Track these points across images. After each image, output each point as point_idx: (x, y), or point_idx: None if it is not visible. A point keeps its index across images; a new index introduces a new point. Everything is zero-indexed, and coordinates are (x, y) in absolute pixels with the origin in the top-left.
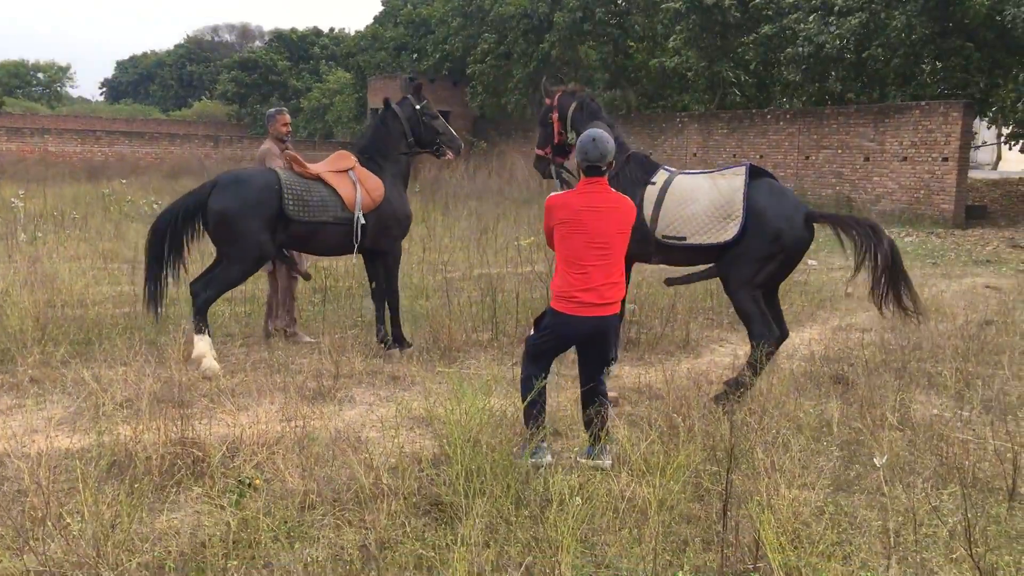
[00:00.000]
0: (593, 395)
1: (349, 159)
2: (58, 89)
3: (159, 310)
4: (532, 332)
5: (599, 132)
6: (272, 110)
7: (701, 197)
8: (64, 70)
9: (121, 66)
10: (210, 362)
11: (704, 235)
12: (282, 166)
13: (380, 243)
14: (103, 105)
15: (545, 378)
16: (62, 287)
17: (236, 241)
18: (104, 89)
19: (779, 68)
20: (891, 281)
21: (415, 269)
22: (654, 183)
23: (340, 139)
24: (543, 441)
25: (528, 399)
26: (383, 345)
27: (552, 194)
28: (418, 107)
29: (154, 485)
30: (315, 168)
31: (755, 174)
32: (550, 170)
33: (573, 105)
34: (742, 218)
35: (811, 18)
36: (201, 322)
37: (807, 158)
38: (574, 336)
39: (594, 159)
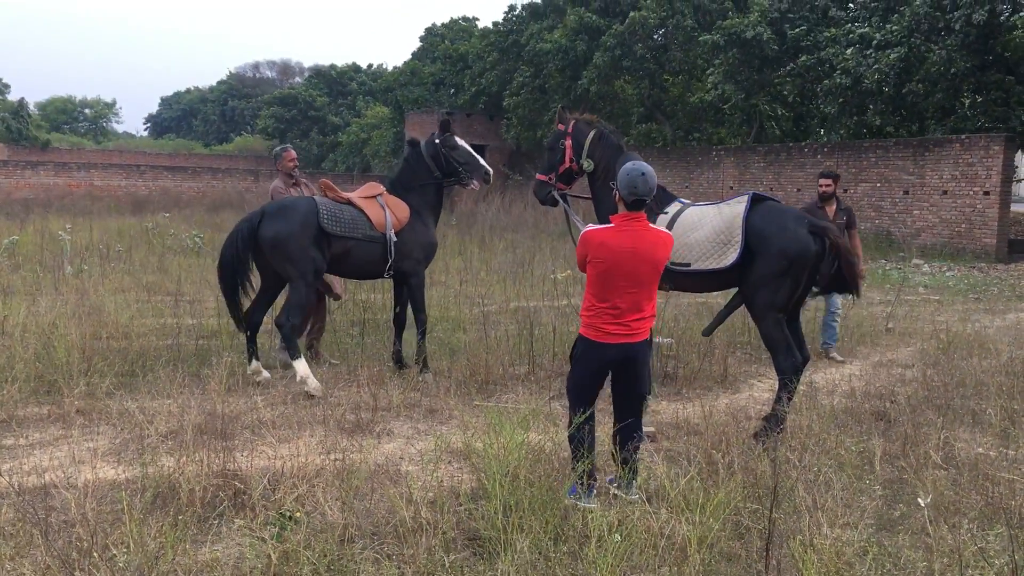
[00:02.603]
0: (629, 432)
1: (378, 187)
2: (104, 125)
3: (246, 328)
4: (570, 368)
5: (646, 166)
6: (279, 148)
7: (705, 225)
8: (110, 106)
9: (165, 102)
10: (314, 382)
11: (707, 261)
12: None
13: (403, 265)
14: (147, 140)
15: (585, 412)
16: (107, 319)
17: (293, 260)
18: (148, 125)
19: (816, 101)
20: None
21: (452, 302)
22: (666, 213)
23: (378, 172)
24: (593, 483)
25: (571, 434)
26: (397, 364)
27: (590, 228)
28: (438, 140)
29: (197, 517)
30: (346, 194)
31: (759, 200)
32: (551, 196)
33: (591, 134)
34: (741, 243)
35: (849, 51)
36: (293, 348)
37: (845, 191)
38: (604, 362)
39: (643, 193)
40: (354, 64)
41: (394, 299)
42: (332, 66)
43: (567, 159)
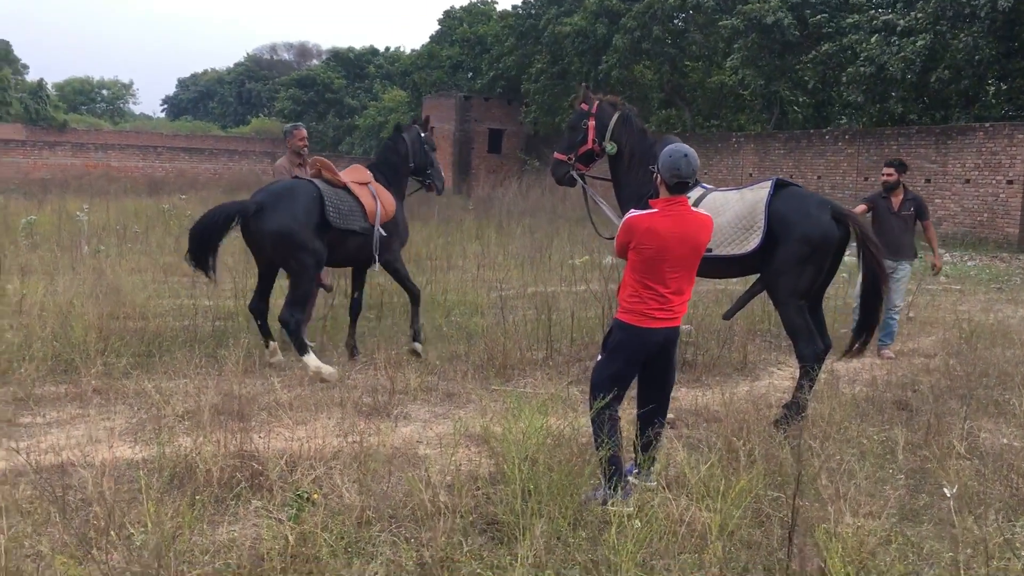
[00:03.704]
0: (652, 416)
1: (366, 173)
2: (121, 106)
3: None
4: (600, 356)
5: (689, 148)
6: (289, 125)
7: (727, 210)
8: (127, 87)
9: (182, 83)
10: (328, 369)
11: (728, 246)
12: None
13: (386, 256)
14: (164, 122)
15: (606, 398)
16: (124, 299)
17: (297, 254)
18: (165, 106)
19: (838, 88)
20: (865, 308)
21: (470, 286)
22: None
23: None
24: (626, 479)
25: (593, 417)
26: (351, 355)
27: (633, 213)
28: (423, 135)
29: (214, 497)
30: (342, 178)
31: (783, 186)
32: (568, 176)
33: (616, 116)
34: (763, 228)
35: (873, 39)
36: (300, 344)
37: (866, 179)
38: (647, 348)
39: (686, 175)
40: (372, 47)
41: (352, 283)
42: (350, 49)
43: (589, 140)
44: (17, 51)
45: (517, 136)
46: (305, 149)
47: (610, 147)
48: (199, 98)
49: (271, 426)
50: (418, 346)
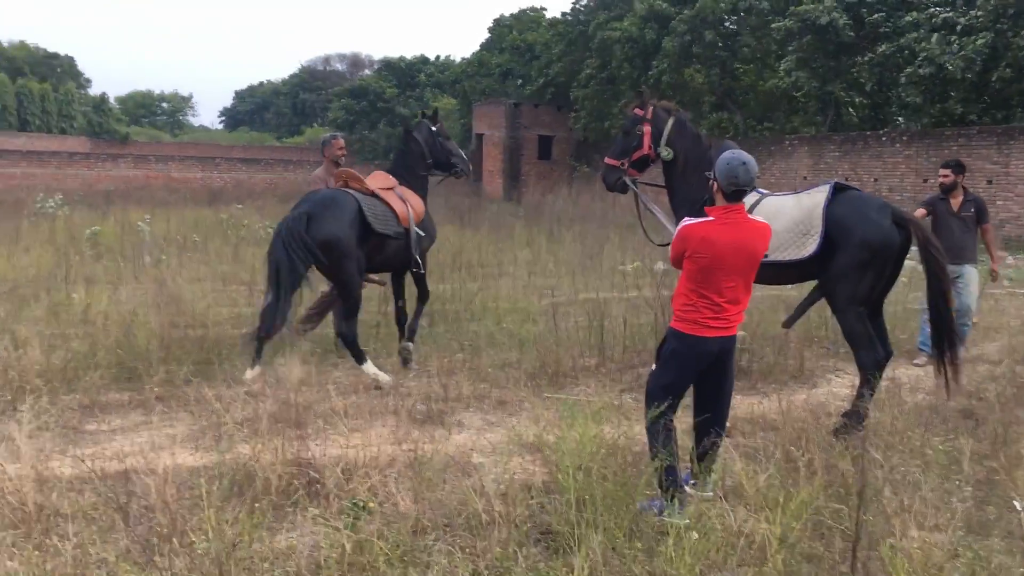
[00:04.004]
0: (709, 426)
1: (389, 178)
2: (180, 118)
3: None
4: (654, 365)
5: (747, 155)
6: (328, 135)
7: (783, 216)
8: (186, 100)
9: (239, 95)
10: (383, 377)
11: (784, 252)
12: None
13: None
14: (222, 133)
15: (661, 407)
16: (185, 308)
17: (346, 263)
18: (223, 118)
19: (896, 89)
20: (935, 317)
21: (521, 293)
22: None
23: None
24: (683, 489)
25: (648, 426)
26: (404, 364)
27: (689, 221)
28: (434, 128)
29: (273, 504)
30: (370, 186)
31: (841, 190)
32: (620, 182)
33: (671, 122)
34: (821, 233)
35: (933, 38)
36: (357, 353)
37: (925, 181)
38: (703, 357)
39: (744, 183)
40: (423, 56)
41: (394, 294)
42: (401, 58)
43: (645, 145)
44: (80, 66)
45: (567, 142)
46: (343, 159)
47: (666, 152)
48: (255, 109)
49: (327, 434)
50: (410, 346)
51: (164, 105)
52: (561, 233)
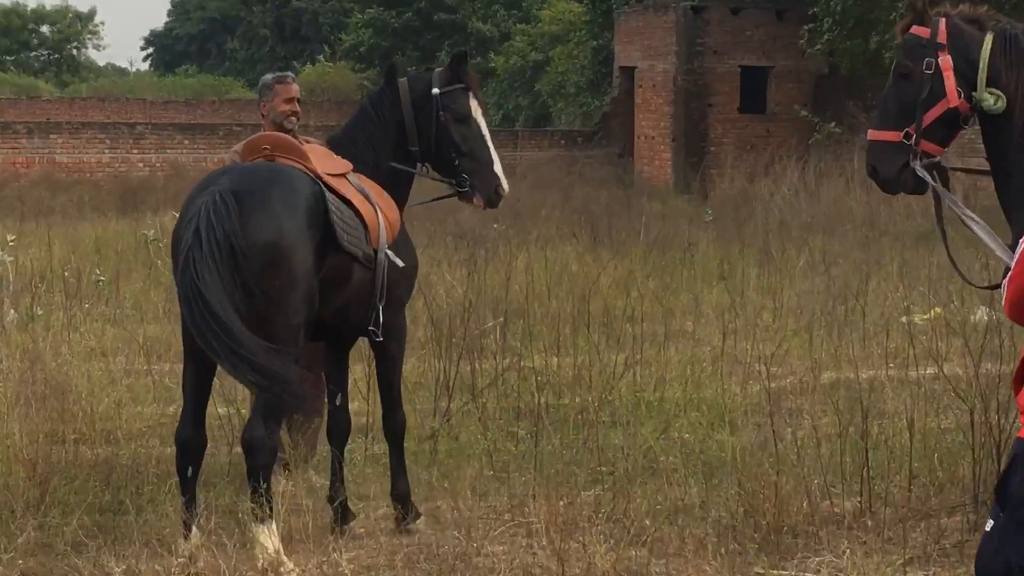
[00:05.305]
0: None
1: (338, 159)
2: (73, 53)
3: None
4: (990, 522)
5: None
6: (270, 76)
7: None
8: (85, 20)
9: (177, 9)
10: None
11: None
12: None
13: (386, 312)
14: (147, 77)
15: None
16: (76, 407)
17: (290, 298)
18: (150, 50)
19: None
20: None
21: (709, 370)
22: None
23: (562, 126)
24: None
25: None
26: (339, 519)
27: None
28: (437, 90)
29: None
30: (315, 165)
31: None
32: (909, 173)
33: (988, 41)
34: None
35: None
36: (260, 497)
37: None
38: None
39: None
40: None
41: (327, 377)
42: None
43: (948, 91)
44: None
45: (796, 78)
46: (295, 119)
47: (990, 99)
48: (206, 34)
49: None
50: (416, 525)
51: (45, 31)
52: (787, 252)
